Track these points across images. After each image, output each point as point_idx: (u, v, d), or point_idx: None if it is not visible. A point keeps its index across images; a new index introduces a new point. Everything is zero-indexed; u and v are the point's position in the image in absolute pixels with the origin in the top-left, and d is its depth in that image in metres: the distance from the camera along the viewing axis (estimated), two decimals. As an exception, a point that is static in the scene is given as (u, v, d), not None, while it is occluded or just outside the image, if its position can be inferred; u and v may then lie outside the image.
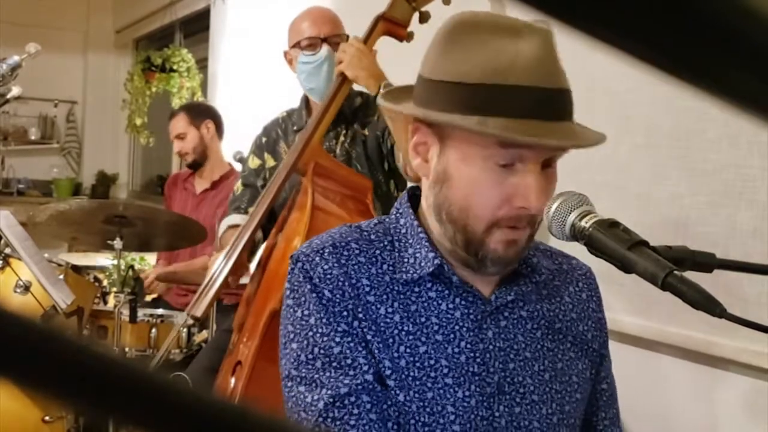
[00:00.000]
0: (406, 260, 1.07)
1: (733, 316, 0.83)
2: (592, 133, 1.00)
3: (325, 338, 1.03)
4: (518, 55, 0.95)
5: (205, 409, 0.25)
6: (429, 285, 1.06)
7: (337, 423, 0.99)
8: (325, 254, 1.06)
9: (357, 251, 1.07)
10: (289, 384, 1.04)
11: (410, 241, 1.08)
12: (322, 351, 1.03)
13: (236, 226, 2.33)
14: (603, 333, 1.20)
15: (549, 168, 1.01)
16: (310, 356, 1.03)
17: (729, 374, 1.86)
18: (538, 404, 1.08)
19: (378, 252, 1.08)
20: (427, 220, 1.08)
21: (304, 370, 1.03)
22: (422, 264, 1.05)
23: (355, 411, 0.99)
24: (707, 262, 0.95)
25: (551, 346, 1.11)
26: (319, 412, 0.99)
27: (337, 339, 1.02)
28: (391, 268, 1.07)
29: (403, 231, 1.09)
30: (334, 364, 1.02)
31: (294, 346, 1.05)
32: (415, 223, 1.09)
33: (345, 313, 1.03)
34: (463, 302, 1.06)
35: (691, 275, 0.86)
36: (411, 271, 1.06)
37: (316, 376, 1.02)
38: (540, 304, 1.12)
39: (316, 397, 1.00)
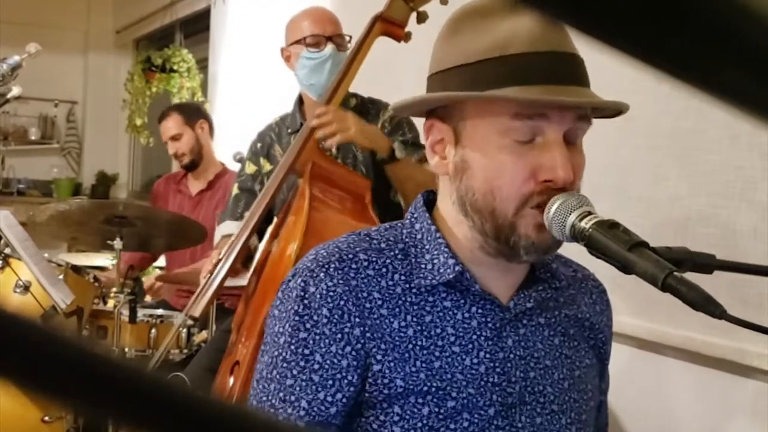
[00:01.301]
0: (423, 266, 1.02)
1: (734, 318, 0.83)
2: (612, 101, 0.98)
3: (285, 365, 1.00)
4: (517, 27, 0.94)
5: (203, 409, 0.25)
6: (444, 294, 1.02)
7: None
8: (331, 269, 1.01)
9: (366, 263, 1.02)
10: (254, 386, 1.05)
11: (427, 247, 1.03)
12: (278, 376, 1.01)
13: (229, 235, 2.34)
14: (609, 346, 1.18)
15: (573, 144, 0.97)
16: (269, 376, 1.02)
17: (729, 375, 1.86)
18: (558, 414, 1.05)
19: (389, 261, 1.03)
20: (447, 222, 1.04)
21: (260, 387, 1.03)
22: (441, 270, 1.01)
23: None
24: (707, 263, 0.95)
25: (569, 353, 1.08)
26: None
27: (295, 372, 1.00)
28: (402, 278, 1.02)
29: (419, 236, 1.05)
30: (281, 395, 1.00)
31: (265, 358, 1.04)
32: (433, 227, 1.04)
33: (339, 336, 0.99)
34: (480, 311, 1.02)
35: (691, 276, 0.86)
36: (429, 278, 1.01)
37: (265, 398, 1.02)
38: (558, 310, 1.09)
39: None
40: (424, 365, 1.00)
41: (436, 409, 0.99)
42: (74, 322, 2.61)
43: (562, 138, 0.95)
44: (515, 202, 0.96)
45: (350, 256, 1.02)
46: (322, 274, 1.01)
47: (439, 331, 1.01)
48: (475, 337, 1.02)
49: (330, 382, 1.00)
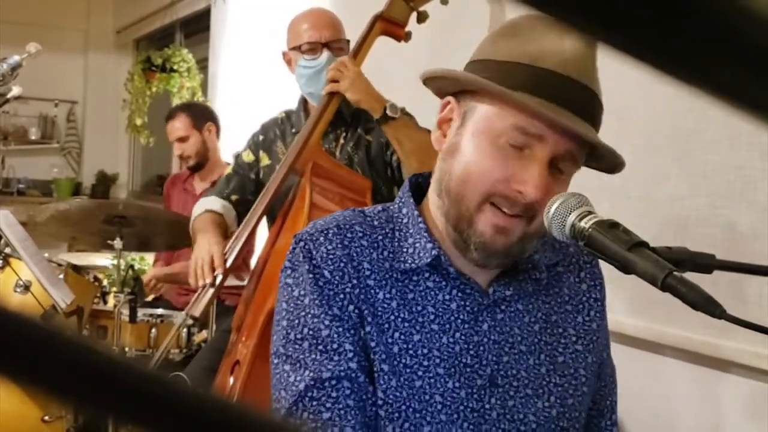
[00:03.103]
0: (405, 250, 1.07)
1: (733, 317, 0.83)
2: (610, 149, 1.01)
3: (316, 320, 1.04)
4: (558, 46, 0.98)
5: (204, 408, 0.25)
6: (427, 275, 1.07)
7: (314, 404, 1.00)
8: (329, 235, 1.07)
9: (360, 234, 1.07)
10: (276, 361, 1.06)
11: (410, 231, 1.08)
12: (310, 332, 1.03)
13: (212, 211, 2.32)
14: (603, 320, 1.18)
15: (560, 173, 1.01)
16: (299, 336, 1.04)
17: (728, 375, 1.86)
18: (533, 398, 1.07)
19: (380, 238, 1.08)
20: (431, 207, 1.09)
21: (291, 349, 1.04)
22: (420, 254, 1.06)
23: (334, 394, 1.00)
24: (707, 263, 0.95)
25: (550, 339, 1.11)
26: (299, 393, 1.01)
27: (327, 322, 1.03)
28: (391, 255, 1.07)
29: (405, 221, 1.10)
30: (320, 347, 1.03)
31: (285, 323, 1.06)
32: (416, 212, 1.09)
33: (341, 296, 1.04)
34: (459, 294, 1.06)
35: (691, 276, 0.86)
36: (409, 261, 1.06)
37: (302, 356, 1.03)
38: (536, 296, 1.11)
39: (298, 378, 1.02)
40: (402, 337, 1.04)
41: (410, 392, 1.03)
42: (74, 321, 2.61)
43: (548, 160, 0.99)
44: (480, 196, 1.00)
45: (347, 226, 1.08)
46: (321, 238, 1.06)
47: (420, 308, 1.06)
48: (453, 318, 1.06)
49: (352, 330, 1.04)
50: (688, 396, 1.97)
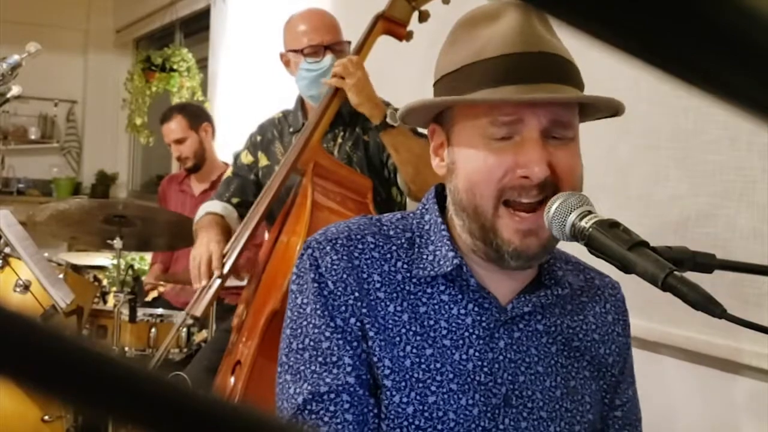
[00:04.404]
0: (425, 257, 1.05)
1: (734, 317, 0.83)
2: (600, 96, 0.98)
3: (317, 330, 1.03)
4: (494, 33, 0.98)
5: (204, 408, 0.25)
6: (442, 288, 1.04)
7: (313, 417, 1.00)
8: (337, 245, 1.05)
9: (372, 245, 1.05)
10: (279, 370, 1.06)
11: (432, 238, 1.06)
12: (311, 343, 1.03)
13: (214, 213, 2.32)
14: (624, 358, 1.16)
15: (560, 140, 0.98)
16: (300, 346, 1.04)
17: (729, 375, 1.86)
18: (546, 421, 1.05)
19: (394, 249, 1.06)
20: (452, 218, 1.07)
21: (292, 359, 1.04)
22: (441, 262, 1.03)
23: (332, 408, 1.00)
24: (707, 263, 0.95)
25: (565, 362, 1.08)
26: (297, 406, 1.01)
27: (327, 334, 1.02)
28: (405, 266, 1.05)
29: (427, 227, 1.07)
30: (320, 359, 1.02)
31: (288, 332, 1.06)
32: (439, 220, 1.07)
33: (343, 308, 1.02)
34: (476, 308, 1.04)
35: (691, 276, 0.86)
36: (429, 268, 1.04)
37: (302, 368, 1.02)
38: (561, 319, 1.09)
39: (297, 390, 1.02)
40: (414, 351, 1.02)
41: (420, 407, 1.00)
42: (74, 321, 2.61)
43: (539, 135, 0.97)
44: (493, 199, 0.98)
45: (359, 236, 1.06)
46: (328, 248, 1.05)
47: (432, 323, 1.03)
48: (467, 334, 1.03)
49: (354, 342, 1.02)
50: (688, 395, 1.97)
